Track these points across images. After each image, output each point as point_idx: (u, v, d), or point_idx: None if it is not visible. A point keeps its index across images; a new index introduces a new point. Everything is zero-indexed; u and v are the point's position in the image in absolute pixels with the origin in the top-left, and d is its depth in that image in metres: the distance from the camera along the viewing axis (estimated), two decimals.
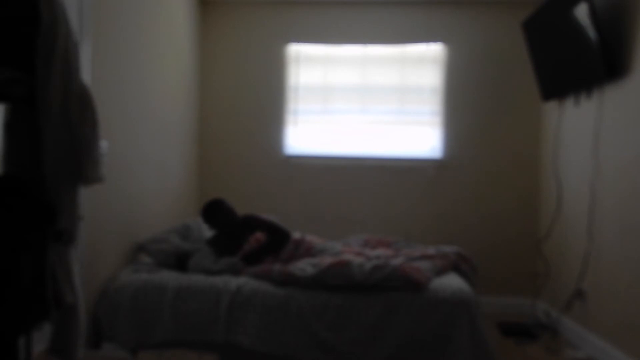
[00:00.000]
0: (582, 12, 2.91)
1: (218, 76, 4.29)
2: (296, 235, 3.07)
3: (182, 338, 2.47)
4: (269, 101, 4.26)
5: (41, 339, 1.95)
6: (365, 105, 4.17)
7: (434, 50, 4.13)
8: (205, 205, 3.06)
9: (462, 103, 4.12)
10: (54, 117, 1.61)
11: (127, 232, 2.92)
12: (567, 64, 3.24)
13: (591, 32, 2.86)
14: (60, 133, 1.62)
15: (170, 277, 2.60)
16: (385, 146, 4.15)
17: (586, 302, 3.17)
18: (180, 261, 2.87)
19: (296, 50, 4.21)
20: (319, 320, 2.41)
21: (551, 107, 3.87)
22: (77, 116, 1.66)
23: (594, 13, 2.82)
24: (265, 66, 4.25)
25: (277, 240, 2.91)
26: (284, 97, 4.23)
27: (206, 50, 4.29)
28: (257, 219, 3.04)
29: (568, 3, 3.04)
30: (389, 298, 2.43)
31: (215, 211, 3.03)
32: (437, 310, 2.39)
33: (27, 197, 1.57)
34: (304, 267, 2.63)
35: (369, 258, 2.83)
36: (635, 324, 2.63)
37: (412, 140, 4.14)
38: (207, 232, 3.26)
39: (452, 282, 2.57)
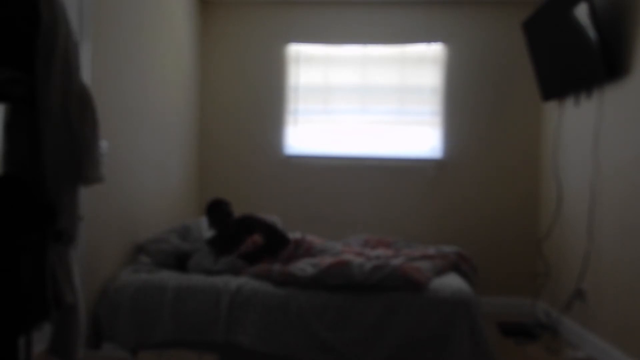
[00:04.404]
0: (582, 12, 2.91)
1: (218, 76, 4.29)
2: (296, 235, 3.07)
3: (182, 338, 2.47)
4: (269, 101, 4.25)
5: (41, 339, 1.95)
6: (365, 105, 4.17)
7: (434, 50, 4.13)
8: (208, 202, 3.17)
9: (462, 103, 4.12)
10: (54, 117, 1.61)
11: (127, 232, 2.92)
12: (567, 64, 3.24)
13: (591, 32, 2.86)
14: (60, 133, 1.62)
15: (170, 277, 2.61)
16: (385, 146, 4.15)
17: (586, 302, 3.17)
18: (179, 261, 2.88)
19: (296, 50, 4.21)
20: (319, 320, 2.41)
21: (551, 107, 3.87)
22: (77, 116, 1.66)
23: (594, 13, 2.82)
24: (265, 66, 4.25)
25: (274, 244, 2.90)
26: (284, 97, 4.23)
27: (206, 50, 4.29)
28: (255, 220, 3.03)
29: (568, 3, 3.04)
30: (389, 298, 2.43)
31: (214, 209, 3.07)
32: (437, 310, 2.39)
33: (27, 197, 1.57)
34: (304, 267, 2.63)
35: (369, 258, 2.83)
36: (635, 324, 2.63)
37: (412, 140, 4.14)
38: (207, 233, 3.27)
39: (452, 282, 2.57)
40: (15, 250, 1.50)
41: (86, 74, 2.37)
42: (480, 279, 3.25)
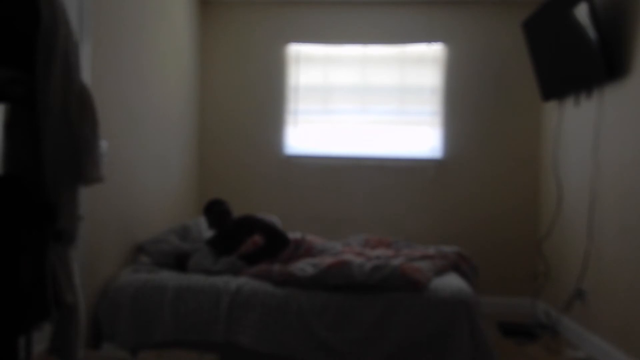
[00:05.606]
0: (582, 12, 2.91)
1: (218, 76, 4.29)
2: (296, 235, 3.07)
3: (182, 338, 2.46)
4: (269, 101, 4.25)
5: (41, 339, 1.95)
6: (365, 105, 4.17)
7: (434, 50, 4.13)
8: (207, 202, 3.13)
9: (462, 103, 4.12)
10: (54, 117, 1.60)
11: (127, 232, 2.92)
12: (567, 64, 3.24)
13: (591, 32, 2.86)
14: (60, 133, 1.62)
15: (170, 277, 2.60)
16: (385, 146, 4.15)
17: (586, 302, 3.17)
18: (179, 261, 2.88)
19: (296, 50, 4.21)
20: (319, 320, 2.41)
21: (551, 107, 3.87)
22: (77, 116, 1.66)
23: (594, 13, 2.82)
24: (265, 66, 4.25)
25: (274, 244, 2.90)
26: (284, 97, 4.23)
27: (206, 50, 4.29)
28: (254, 220, 3.03)
29: (568, 3, 3.04)
30: (389, 298, 2.43)
31: (212, 209, 3.06)
32: (437, 310, 2.39)
33: (27, 197, 1.57)
34: (304, 267, 2.63)
35: (369, 258, 2.83)
36: (635, 324, 2.63)
37: (412, 140, 4.14)
38: (206, 233, 3.27)
39: (452, 282, 2.57)
40: (15, 250, 1.50)
41: (86, 74, 2.38)
42: (480, 279, 3.25)
